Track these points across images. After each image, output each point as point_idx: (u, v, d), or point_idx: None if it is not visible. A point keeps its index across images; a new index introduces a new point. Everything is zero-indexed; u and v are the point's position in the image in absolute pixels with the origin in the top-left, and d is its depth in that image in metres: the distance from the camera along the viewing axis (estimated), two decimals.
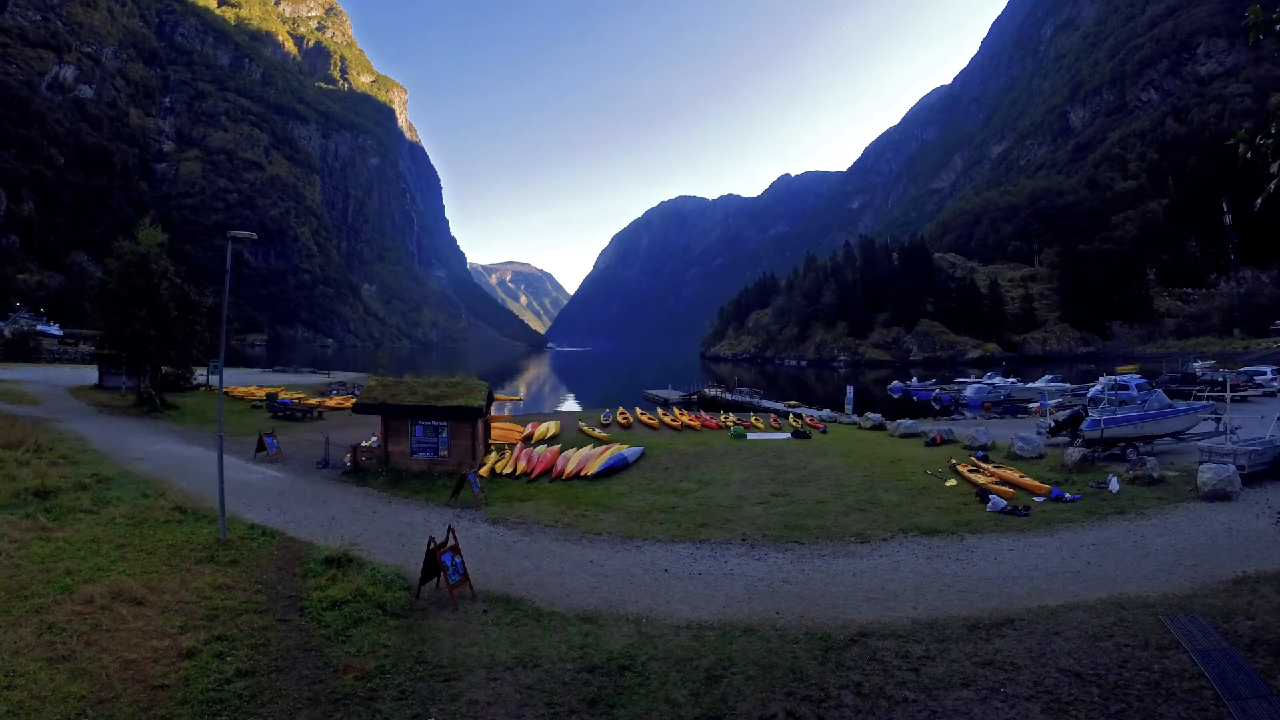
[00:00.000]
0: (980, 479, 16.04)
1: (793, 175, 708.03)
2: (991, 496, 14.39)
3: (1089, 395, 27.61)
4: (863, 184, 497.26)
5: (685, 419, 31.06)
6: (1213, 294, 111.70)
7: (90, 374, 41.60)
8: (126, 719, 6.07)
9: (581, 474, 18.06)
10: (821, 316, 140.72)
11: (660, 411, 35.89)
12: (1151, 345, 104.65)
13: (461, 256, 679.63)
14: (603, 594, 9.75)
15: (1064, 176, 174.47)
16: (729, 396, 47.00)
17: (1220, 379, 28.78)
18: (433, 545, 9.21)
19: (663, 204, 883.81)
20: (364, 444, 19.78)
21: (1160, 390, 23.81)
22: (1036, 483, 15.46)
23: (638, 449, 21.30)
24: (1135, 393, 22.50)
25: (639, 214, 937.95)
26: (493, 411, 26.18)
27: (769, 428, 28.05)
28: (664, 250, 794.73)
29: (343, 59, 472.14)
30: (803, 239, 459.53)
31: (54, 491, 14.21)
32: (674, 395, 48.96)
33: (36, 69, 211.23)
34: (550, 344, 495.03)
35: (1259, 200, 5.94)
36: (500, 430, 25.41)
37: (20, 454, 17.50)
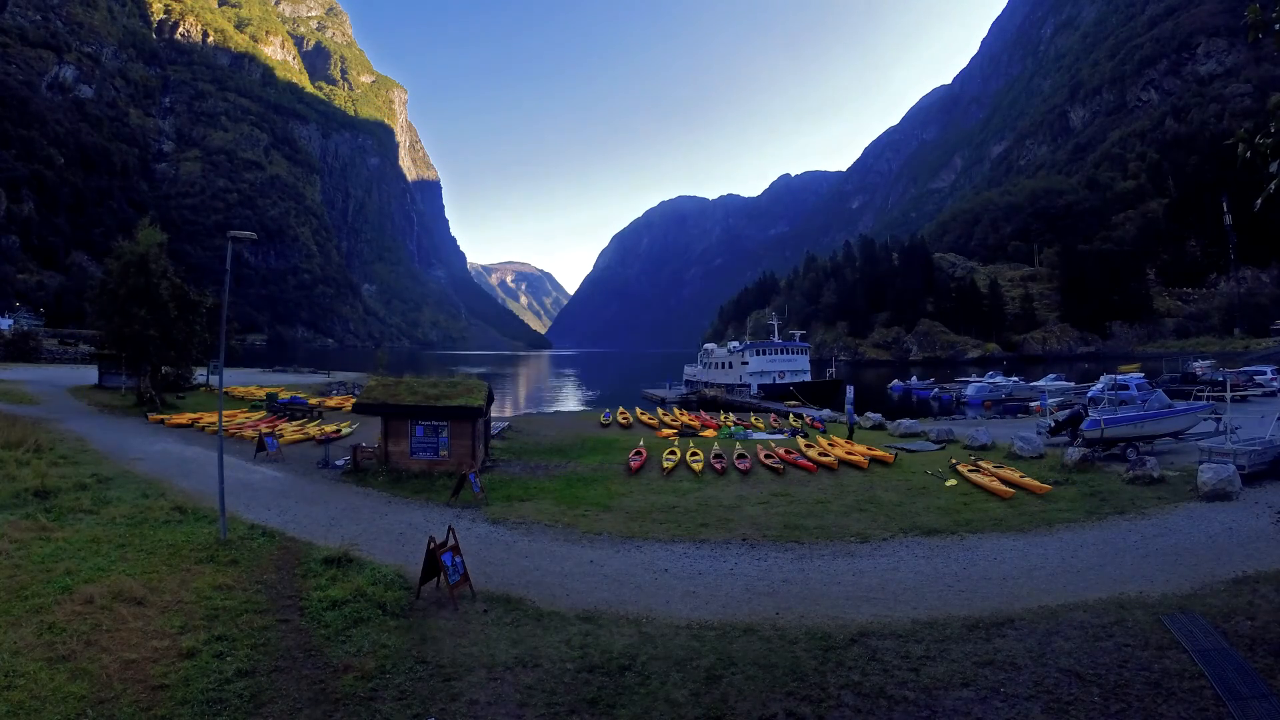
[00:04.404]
0: (981, 479, 16.03)
1: (793, 175, 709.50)
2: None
3: (1089, 395, 27.58)
4: (863, 184, 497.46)
5: (685, 419, 31.07)
6: (1213, 294, 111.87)
7: (90, 374, 41.57)
8: (126, 719, 6.07)
9: None
10: (821, 316, 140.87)
11: (660, 411, 35.89)
12: (1151, 345, 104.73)
13: (461, 256, 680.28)
14: (603, 594, 9.74)
15: (1064, 176, 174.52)
16: (729, 396, 47.03)
17: (1220, 379, 28.73)
18: (433, 545, 9.21)
19: (663, 204, 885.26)
20: (363, 445, 19.78)
21: (1160, 390, 23.76)
22: (1036, 483, 15.46)
23: None
24: (1135, 393, 22.46)
25: (639, 214, 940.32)
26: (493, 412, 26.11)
27: (769, 428, 28.06)
28: (664, 250, 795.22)
29: (343, 59, 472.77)
30: (803, 239, 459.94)
31: (54, 491, 14.20)
32: (674, 395, 48.99)
33: (36, 69, 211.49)
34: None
35: (1259, 200, 5.94)
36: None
37: (20, 454, 17.50)
